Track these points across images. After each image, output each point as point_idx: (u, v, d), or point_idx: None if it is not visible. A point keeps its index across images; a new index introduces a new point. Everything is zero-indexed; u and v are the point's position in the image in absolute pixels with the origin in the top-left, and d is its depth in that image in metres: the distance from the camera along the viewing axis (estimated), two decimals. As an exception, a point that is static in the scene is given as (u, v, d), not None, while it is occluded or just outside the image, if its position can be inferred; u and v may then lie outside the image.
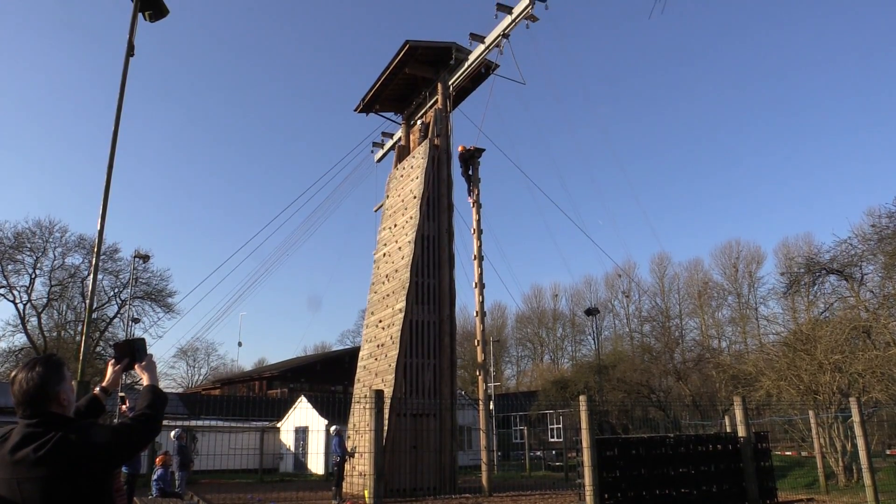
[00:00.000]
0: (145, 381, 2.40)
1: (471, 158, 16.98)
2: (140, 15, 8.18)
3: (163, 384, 2.55)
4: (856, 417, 10.06)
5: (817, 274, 18.92)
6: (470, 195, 17.05)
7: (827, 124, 74.17)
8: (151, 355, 2.51)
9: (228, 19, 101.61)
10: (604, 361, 37.14)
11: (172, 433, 13.90)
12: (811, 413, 14.69)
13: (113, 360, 2.55)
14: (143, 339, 2.57)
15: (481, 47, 16.35)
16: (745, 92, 77.38)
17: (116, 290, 39.72)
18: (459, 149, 17.12)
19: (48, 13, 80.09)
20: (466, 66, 16.94)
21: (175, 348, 56.36)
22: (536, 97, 78.83)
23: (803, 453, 18.08)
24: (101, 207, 7.12)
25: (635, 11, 75.43)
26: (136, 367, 2.50)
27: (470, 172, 16.98)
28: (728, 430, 10.44)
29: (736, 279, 51.56)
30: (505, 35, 15.52)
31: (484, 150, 17.19)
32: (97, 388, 2.57)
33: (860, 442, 9.97)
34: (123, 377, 2.71)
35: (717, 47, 79.86)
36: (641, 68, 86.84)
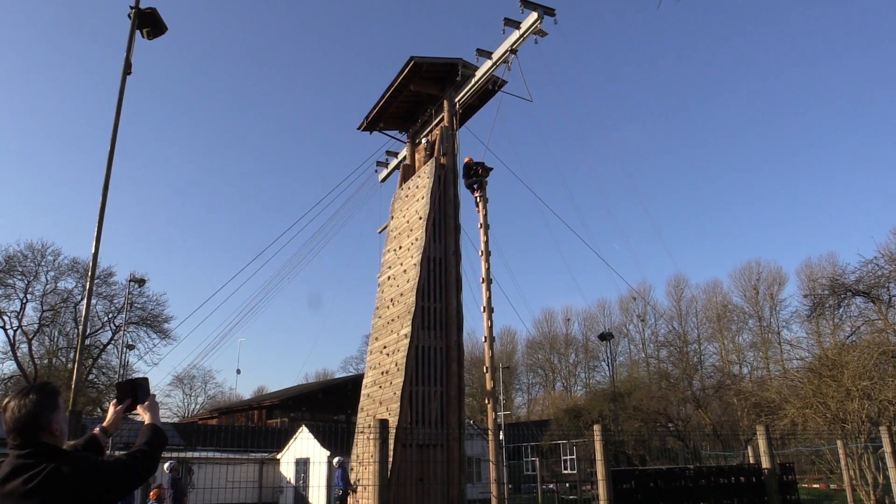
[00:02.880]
0: (147, 420, 2.41)
1: (476, 175, 17.04)
2: (137, 32, 8.32)
3: (159, 413, 2.54)
4: (887, 447, 9.90)
5: (842, 296, 18.77)
6: (475, 191, 17.06)
7: (851, 140, 74.22)
8: (154, 395, 2.53)
9: (226, 35, 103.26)
10: (619, 389, 36.81)
11: (166, 465, 13.80)
12: (839, 443, 14.46)
13: (115, 401, 2.56)
14: (146, 379, 2.60)
15: (488, 63, 16.49)
16: (765, 108, 77.65)
17: (110, 316, 39.86)
18: (466, 160, 17.19)
19: (32, 32, 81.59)
20: (473, 82, 17.08)
21: (171, 376, 56.35)
22: (545, 114, 79.41)
23: (832, 486, 17.78)
24: (96, 229, 7.17)
25: (646, 26, 76.17)
26: (137, 407, 2.51)
27: (473, 182, 17.04)
28: (751, 461, 10.28)
29: (757, 302, 51.21)
30: (513, 50, 15.66)
31: (492, 168, 17.26)
32: (97, 429, 2.57)
33: (892, 474, 9.80)
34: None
35: (736, 61, 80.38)
36: (654, 83, 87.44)
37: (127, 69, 8.23)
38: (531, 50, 16.49)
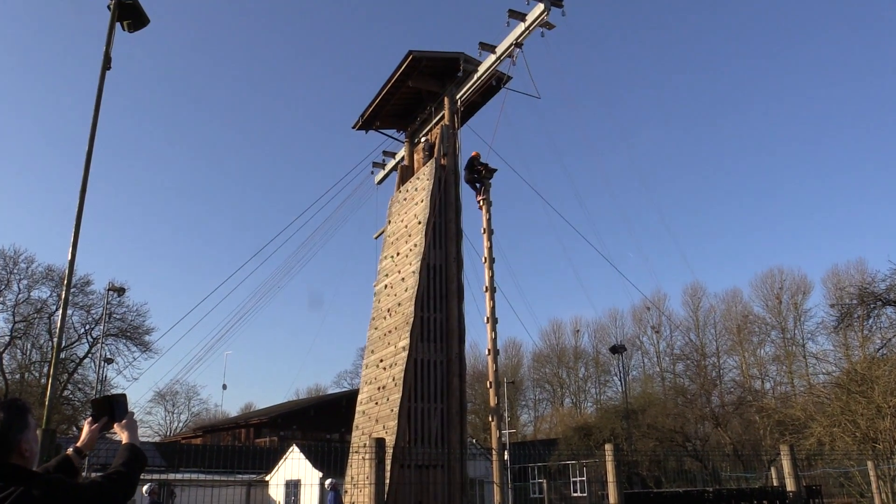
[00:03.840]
0: (124, 440, 2.40)
1: (478, 174, 17.02)
2: (118, 25, 8.34)
3: (139, 432, 2.55)
4: (921, 469, 9.85)
5: (872, 306, 18.75)
6: (479, 193, 17.03)
7: (880, 139, 74.26)
8: (133, 413, 2.52)
9: (212, 29, 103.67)
10: (632, 405, 36.73)
11: (146, 488, 13.75)
12: (870, 464, 14.39)
13: (90, 419, 2.55)
14: (124, 395, 2.58)
15: (492, 58, 16.51)
16: (787, 106, 77.82)
17: (88, 327, 39.83)
18: (473, 154, 17.15)
19: (8, 32, 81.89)
20: (476, 78, 17.09)
21: (152, 392, 56.21)
22: (553, 112, 79.54)
23: (862, 510, 17.69)
24: (73, 234, 7.16)
25: (664, 19, 76.47)
26: (115, 425, 2.50)
27: (475, 178, 17.01)
28: (775, 483, 10.23)
29: (779, 312, 51.13)
30: (518, 44, 15.68)
31: (496, 169, 17.26)
32: (71, 449, 2.55)
33: (927, 497, 9.74)
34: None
35: (756, 58, 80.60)
36: (668, 80, 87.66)
37: (106, 64, 8.25)
38: (538, 44, 16.54)
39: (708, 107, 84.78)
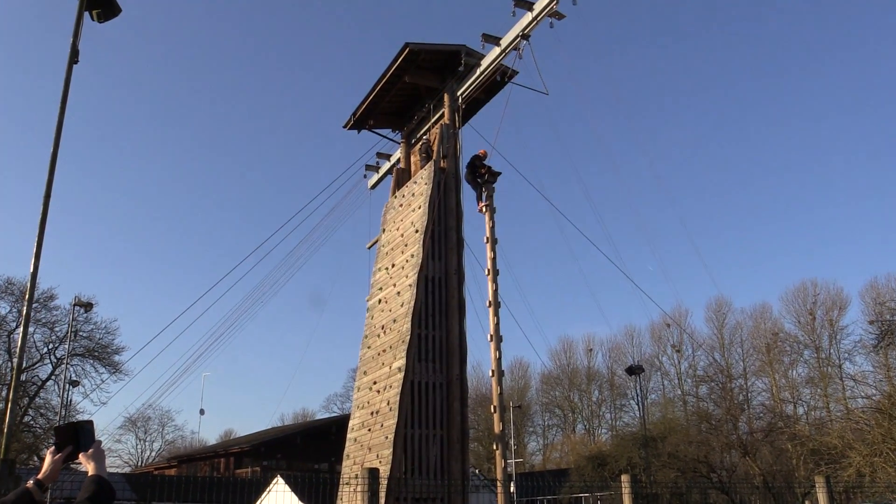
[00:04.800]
0: (91, 471, 2.39)
1: (480, 176, 17.03)
2: (87, 14, 8.36)
3: (107, 462, 2.55)
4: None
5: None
6: (481, 198, 17.02)
7: (918, 139, 74.47)
8: (100, 441, 2.51)
9: (192, 21, 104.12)
10: (651, 432, 36.63)
11: (117, 524, 13.73)
12: (914, 497, 14.32)
13: (53, 448, 2.54)
14: (90, 422, 2.58)
15: (496, 51, 16.56)
16: (821, 108, 78.03)
17: (51, 346, 39.75)
18: (481, 152, 17.14)
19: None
20: (478, 72, 17.14)
21: (122, 417, 56.13)
22: (563, 110, 79.81)
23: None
24: (36, 245, 7.16)
25: (683, 10, 76.86)
26: (80, 455, 2.49)
27: (479, 180, 17.01)
28: (810, 518, 10.17)
29: (813, 329, 51.08)
30: (524, 36, 15.73)
31: (500, 173, 17.27)
32: (31, 482, 2.54)
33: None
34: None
35: (787, 48, 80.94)
36: (689, 78, 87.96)
37: (73, 57, 8.27)
38: (546, 35, 16.56)
39: (733, 108, 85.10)
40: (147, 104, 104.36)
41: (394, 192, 19.63)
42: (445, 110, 17.98)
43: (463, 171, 17.41)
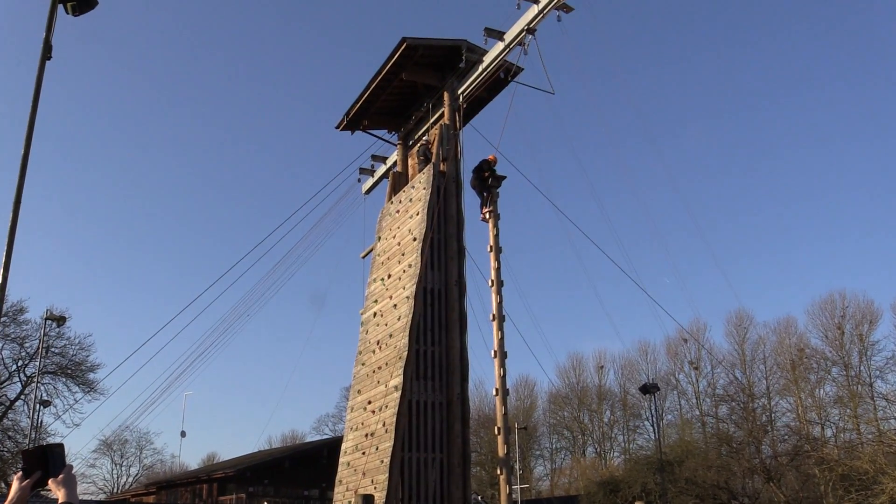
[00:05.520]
0: (61, 498, 2.39)
1: (484, 183, 17.04)
2: (60, 7, 8.40)
3: (80, 489, 2.54)
4: None
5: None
6: (483, 206, 17.01)
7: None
8: (71, 467, 2.50)
9: (168, 13, 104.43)
10: (667, 455, 36.53)
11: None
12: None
13: (20, 473, 2.53)
14: (61, 445, 2.57)
15: (500, 46, 16.61)
16: (853, 99, 78.17)
17: (20, 364, 39.61)
18: (490, 158, 17.14)
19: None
20: (481, 69, 17.19)
21: (97, 440, 55.74)
22: (571, 110, 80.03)
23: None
24: (5, 254, 7.17)
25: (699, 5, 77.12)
26: (49, 481, 2.48)
27: (485, 193, 17.01)
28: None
29: (842, 345, 50.99)
30: (530, 30, 15.77)
31: (504, 177, 17.30)
32: None
33: None
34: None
35: (815, 47, 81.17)
36: (710, 75, 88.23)
37: (46, 53, 8.31)
38: (553, 29, 16.61)
39: (756, 105, 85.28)
40: (124, 106, 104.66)
41: (390, 198, 19.65)
42: (445, 110, 18.01)
43: (465, 174, 17.44)
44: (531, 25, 15.73)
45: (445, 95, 18.09)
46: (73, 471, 2.52)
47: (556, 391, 62.41)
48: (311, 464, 42.28)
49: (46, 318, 31.17)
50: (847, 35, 79.40)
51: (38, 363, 33.17)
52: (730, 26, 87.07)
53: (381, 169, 21.74)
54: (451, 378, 16.12)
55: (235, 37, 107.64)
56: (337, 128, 20.58)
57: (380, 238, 19.40)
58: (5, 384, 39.11)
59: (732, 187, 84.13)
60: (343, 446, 17.75)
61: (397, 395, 15.47)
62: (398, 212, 18.71)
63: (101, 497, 57.76)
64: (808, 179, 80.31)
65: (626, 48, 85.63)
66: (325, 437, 60.83)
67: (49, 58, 8.35)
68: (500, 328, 16.19)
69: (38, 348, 34.54)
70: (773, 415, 50.25)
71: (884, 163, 75.47)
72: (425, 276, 16.51)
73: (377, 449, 15.68)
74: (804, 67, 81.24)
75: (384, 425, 15.65)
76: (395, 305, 17.08)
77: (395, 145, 20.75)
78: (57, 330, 36.41)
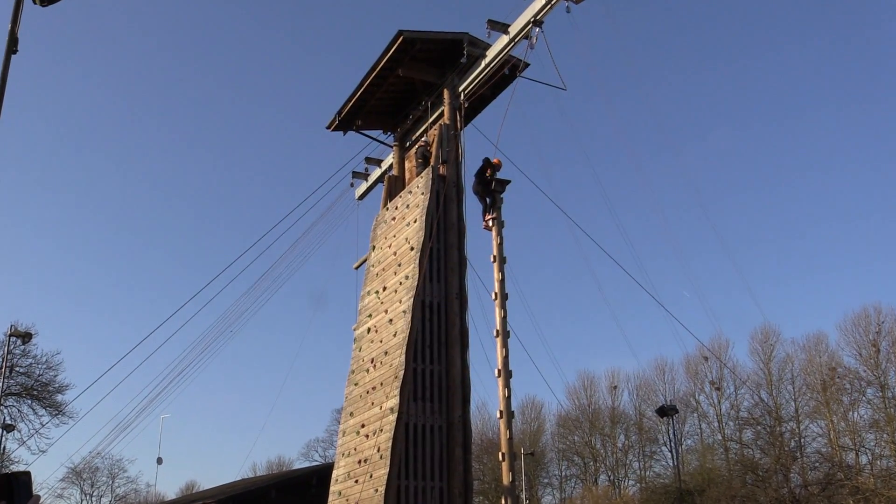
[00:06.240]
0: None
1: (490, 187, 17.08)
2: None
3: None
4: None
5: None
6: (487, 213, 17.01)
7: None
8: (39, 497, 2.55)
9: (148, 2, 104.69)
10: (687, 484, 36.52)
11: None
12: None
13: None
14: (27, 474, 2.62)
15: (504, 39, 16.67)
16: (885, 101, 78.29)
17: (-17, 384, 39.59)
18: (494, 161, 17.16)
19: None
20: (483, 65, 17.26)
21: (65, 468, 55.57)
22: (582, 109, 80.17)
23: None
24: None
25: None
26: None
27: (487, 200, 17.04)
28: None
29: (877, 364, 50.87)
30: (537, 22, 15.82)
31: (509, 181, 17.35)
32: None
33: None
34: None
35: (849, 45, 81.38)
36: (732, 70, 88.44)
37: (12, 46, 8.35)
38: (563, 21, 16.74)
39: (784, 104, 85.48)
40: (85, 115, 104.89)
41: (385, 204, 19.70)
42: (445, 109, 18.08)
43: (466, 178, 17.49)
44: (538, 17, 15.79)
45: (445, 93, 18.17)
46: (41, 501, 2.56)
47: (566, 413, 62.32)
48: (300, 493, 42.08)
49: (10, 335, 31.15)
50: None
51: (1, 384, 33.12)
52: (766, 17, 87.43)
53: (376, 172, 21.80)
54: (451, 399, 16.14)
55: (221, 29, 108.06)
56: (328, 128, 20.66)
57: (374, 247, 19.45)
58: (-34, 407, 39.07)
59: (756, 195, 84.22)
60: (334, 474, 17.75)
61: (393, 417, 15.49)
62: (394, 219, 18.77)
63: (70, 529, 57.62)
64: (841, 182, 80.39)
65: (644, 43, 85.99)
66: (314, 463, 60.68)
67: (15, 51, 8.38)
68: (505, 345, 16.22)
69: (1, 368, 34.51)
70: (802, 440, 50.21)
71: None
72: (423, 289, 16.54)
73: (371, 477, 15.70)
74: (844, 74, 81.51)
75: (379, 451, 15.67)
76: (390, 320, 17.12)
77: (391, 147, 20.82)
78: (22, 348, 36.41)
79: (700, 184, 77.86)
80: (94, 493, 66.21)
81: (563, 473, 64.80)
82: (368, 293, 18.77)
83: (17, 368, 38.17)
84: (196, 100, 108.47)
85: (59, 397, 40.19)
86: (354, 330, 19.02)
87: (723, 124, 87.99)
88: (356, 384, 17.87)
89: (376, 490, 15.28)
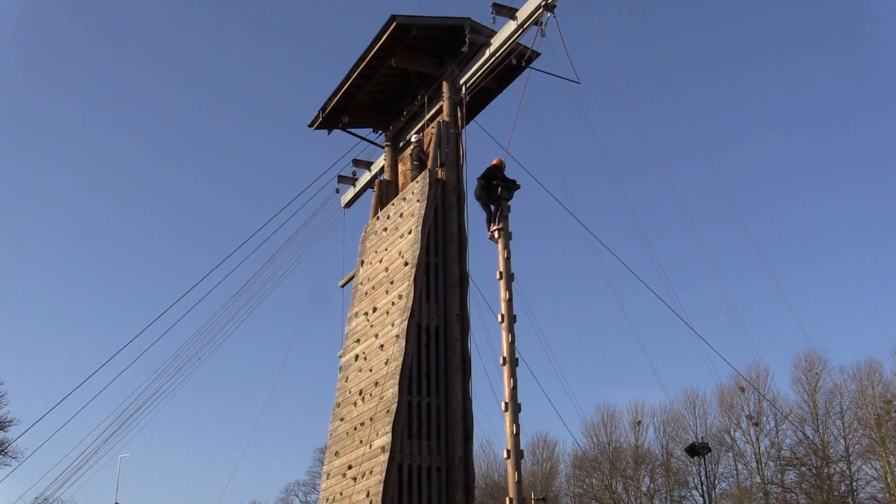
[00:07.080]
0: None
1: (495, 193, 16.93)
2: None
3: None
4: None
5: None
6: (492, 222, 16.81)
7: None
8: None
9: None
10: (722, 533, 36.31)
11: None
12: None
13: None
14: None
15: (511, 25, 16.65)
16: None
17: (-83, 419, 39.54)
18: (495, 161, 17.04)
19: None
20: (488, 54, 17.24)
21: (12, 514, 55.49)
22: (599, 104, 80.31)
23: None
24: None
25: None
26: None
27: (492, 206, 16.85)
28: None
29: (939, 394, 50.88)
30: (548, 6, 15.77)
31: (518, 186, 17.25)
32: None
33: None
34: None
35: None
36: (771, 66, 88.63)
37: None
38: (577, 6, 16.70)
39: (836, 105, 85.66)
40: (53, 102, 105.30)
41: (375, 212, 19.65)
42: (444, 104, 18.04)
43: (468, 183, 17.43)
44: (549, 0, 15.77)
45: (444, 86, 18.15)
46: None
47: (583, 453, 62.15)
48: (278, 544, 42.08)
49: (-50, 363, 31.04)
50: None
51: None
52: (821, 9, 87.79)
53: (365, 177, 21.77)
54: (451, 437, 16.04)
55: (191, 19, 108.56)
56: (310, 126, 20.63)
57: (363, 262, 19.38)
58: None
59: (801, 207, 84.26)
60: (317, 522, 17.60)
61: (385, 457, 15.40)
62: (386, 230, 18.70)
63: (17, 585, 57.35)
64: (891, 189, 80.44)
65: (670, 32, 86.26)
66: (295, 510, 60.53)
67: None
68: (513, 374, 16.10)
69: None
70: (854, 483, 50.06)
71: None
72: (419, 310, 16.47)
73: (359, 526, 15.60)
74: None
75: (368, 496, 15.57)
76: (381, 346, 17.03)
77: (382, 148, 20.79)
78: (-38, 379, 36.38)
79: (736, 195, 77.77)
80: (45, 544, 65.95)
81: (580, 521, 64.65)
82: (356, 315, 18.68)
83: (-44, 402, 38.16)
84: (150, 93, 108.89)
85: (2, 434, 40.16)
86: (340, 357, 18.93)
87: (764, 128, 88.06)
88: (342, 419, 17.76)
89: (365, 541, 15.16)
